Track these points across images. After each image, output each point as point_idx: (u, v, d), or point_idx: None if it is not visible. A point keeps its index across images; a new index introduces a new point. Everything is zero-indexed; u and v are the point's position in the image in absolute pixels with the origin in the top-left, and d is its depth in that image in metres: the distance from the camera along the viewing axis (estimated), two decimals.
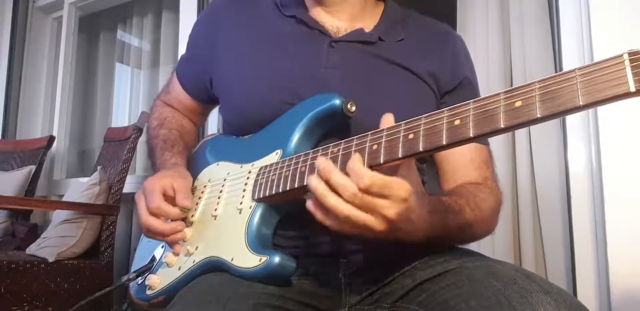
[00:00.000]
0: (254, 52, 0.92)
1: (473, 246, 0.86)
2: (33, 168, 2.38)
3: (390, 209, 0.62)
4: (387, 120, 0.67)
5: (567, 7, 1.54)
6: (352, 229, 0.64)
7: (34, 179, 2.38)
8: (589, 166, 1.45)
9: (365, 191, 0.60)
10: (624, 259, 1.32)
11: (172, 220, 0.84)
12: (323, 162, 0.64)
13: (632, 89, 0.47)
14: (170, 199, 0.85)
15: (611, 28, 1.40)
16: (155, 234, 0.85)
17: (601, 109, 1.39)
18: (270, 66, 0.90)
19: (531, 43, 1.69)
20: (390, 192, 0.61)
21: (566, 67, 1.54)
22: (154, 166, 0.98)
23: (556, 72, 1.61)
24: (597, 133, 1.41)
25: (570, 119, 1.49)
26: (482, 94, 0.95)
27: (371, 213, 0.62)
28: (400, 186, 0.61)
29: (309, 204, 0.66)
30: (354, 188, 0.60)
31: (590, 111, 1.44)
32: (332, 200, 0.62)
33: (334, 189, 0.62)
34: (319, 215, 0.65)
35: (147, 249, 0.95)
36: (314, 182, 0.64)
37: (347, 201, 0.61)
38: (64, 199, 2.16)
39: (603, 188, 1.37)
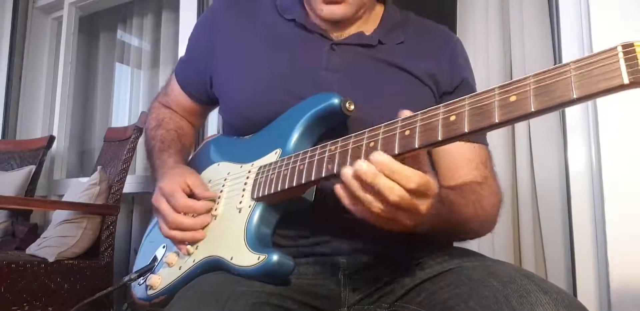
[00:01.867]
0: (254, 53, 0.92)
1: (473, 246, 0.86)
2: (33, 168, 2.38)
3: (424, 205, 0.62)
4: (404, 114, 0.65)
5: (567, 7, 1.54)
6: (377, 220, 0.63)
7: (34, 179, 2.38)
8: (589, 165, 1.45)
9: (414, 192, 0.59)
10: (624, 259, 1.32)
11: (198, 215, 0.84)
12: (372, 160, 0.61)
13: (626, 81, 0.47)
14: (190, 196, 0.85)
15: (611, 28, 1.40)
16: (185, 230, 0.83)
17: (601, 109, 1.39)
18: (270, 68, 0.90)
19: (531, 43, 1.69)
20: (430, 189, 0.61)
21: None
22: (152, 168, 0.98)
23: None
24: (597, 133, 1.41)
25: (570, 119, 1.49)
26: None
27: (405, 210, 0.61)
28: (433, 181, 0.61)
29: (338, 188, 0.63)
30: (401, 191, 0.59)
31: (590, 110, 1.44)
32: (368, 197, 0.60)
33: (376, 191, 0.60)
34: (346, 202, 0.63)
35: (149, 250, 0.95)
36: (361, 169, 0.60)
37: (393, 204, 0.60)
38: (64, 199, 2.16)
39: (603, 187, 1.37)
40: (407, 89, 0.89)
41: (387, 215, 0.61)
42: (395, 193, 0.59)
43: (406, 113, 0.65)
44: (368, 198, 0.61)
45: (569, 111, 1.49)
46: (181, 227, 0.83)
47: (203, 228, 0.84)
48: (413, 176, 0.59)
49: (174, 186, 0.85)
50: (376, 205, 0.60)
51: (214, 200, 0.86)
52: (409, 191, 0.59)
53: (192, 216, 0.84)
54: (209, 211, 0.85)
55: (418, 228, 0.67)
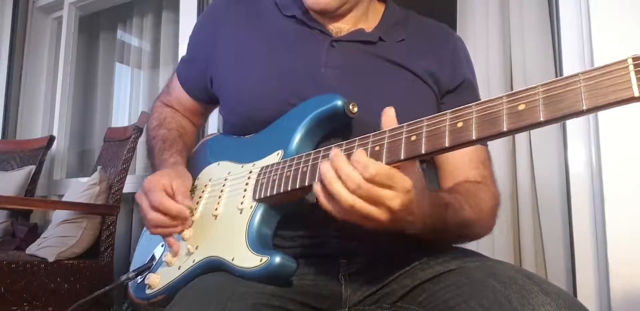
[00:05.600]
0: (254, 51, 0.92)
1: (473, 246, 0.86)
2: (33, 168, 2.38)
3: (395, 200, 0.62)
4: (388, 114, 0.67)
5: (567, 7, 1.54)
6: (355, 218, 0.64)
7: (34, 179, 2.38)
8: (589, 166, 1.45)
9: (371, 180, 0.61)
10: (624, 259, 1.32)
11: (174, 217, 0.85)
12: (336, 151, 0.65)
13: (636, 94, 0.46)
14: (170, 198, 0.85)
15: (611, 28, 1.41)
16: (163, 227, 0.84)
17: None
18: (270, 65, 0.90)
19: (531, 43, 1.69)
20: (395, 182, 0.61)
21: (566, 67, 1.54)
22: (153, 167, 0.98)
23: (556, 72, 1.63)
24: (597, 133, 1.41)
25: (571, 119, 1.49)
26: (482, 94, 0.96)
27: (375, 204, 0.62)
28: (403, 177, 0.62)
29: (316, 187, 0.66)
30: (359, 179, 0.61)
31: None
32: (337, 187, 0.62)
33: (341, 179, 0.63)
34: (322, 199, 0.65)
35: (146, 248, 0.95)
36: (324, 167, 0.64)
37: (352, 192, 0.62)
38: (64, 199, 2.16)
39: (603, 188, 1.37)
40: (407, 87, 0.89)
41: (353, 207, 0.62)
42: (354, 181, 0.61)
43: (388, 111, 0.66)
44: (337, 188, 0.62)
45: None
46: (159, 224, 0.84)
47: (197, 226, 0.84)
48: (369, 165, 0.61)
49: (155, 184, 0.84)
50: (344, 196, 0.62)
51: (192, 210, 0.86)
52: (367, 179, 0.60)
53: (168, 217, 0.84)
54: (183, 217, 0.85)
55: (405, 228, 0.68)
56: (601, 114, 1.39)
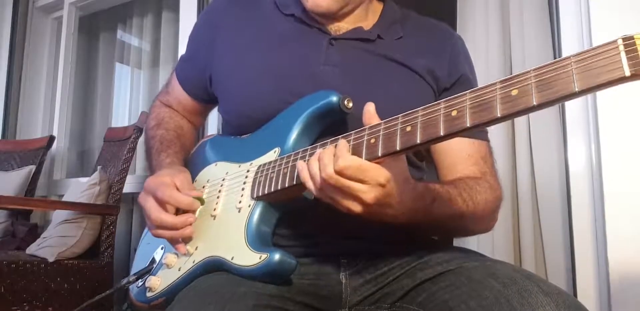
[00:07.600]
0: (253, 50, 0.92)
1: (472, 246, 0.86)
2: (33, 168, 2.38)
3: (368, 193, 0.64)
4: (369, 110, 0.68)
5: (567, 7, 1.54)
6: (327, 199, 0.67)
7: (34, 179, 2.38)
8: (589, 165, 1.45)
9: (340, 172, 0.63)
10: (624, 259, 1.32)
11: (182, 212, 0.84)
12: (343, 141, 0.67)
13: (627, 73, 0.47)
14: None
15: (611, 28, 1.40)
16: (167, 229, 0.83)
17: (601, 108, 1.39)
18: (269, 63, 0.90)
19: (531, 43, 1.69)
20: (366, 176, 0.63)
21: None
22: (150, 168, 0.98)
23: None
24: (597, 132, 1.41)
25: (570, 117, 1.49)
26: None
27: (349, 196, 0.65)
28: (377, 171, 0.63)
29: (299, 163, 0.70)
30: (331, 170, 0.64)
31: (591, 109, 1.44)
32: (314, 168, 0.66)
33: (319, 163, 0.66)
34: (303, 173, 0.68)
35: (147, 251, 0.95)
36: (318, 151, 0.68)
37: (324, 180, 0.64)
38: (64, 199, 2.16)
39: (603, 187, 1.37)
40: (406, 84, 0.89)
41: (328, 193, 0.66)
42: (326, 170, 0.64)
43: (369, 107, 0.68)
44: (313, 168, 0.67)
45: (569, 110, 1.49)
46: (163, 225, 0.82)
47: (200, 227, 0.83)
48: (340, 157, 0.63)
49: (159, 183, 0.84)
50: (317, 179, 0.66)
51: (202, 200, 0.85)
52: (336, 171, 0.63)
53: (176, 213, 0.83)
54: (193, 210, 0.84)
55: (387, 220, 0.69)
56: (601, 112, 1.39)
